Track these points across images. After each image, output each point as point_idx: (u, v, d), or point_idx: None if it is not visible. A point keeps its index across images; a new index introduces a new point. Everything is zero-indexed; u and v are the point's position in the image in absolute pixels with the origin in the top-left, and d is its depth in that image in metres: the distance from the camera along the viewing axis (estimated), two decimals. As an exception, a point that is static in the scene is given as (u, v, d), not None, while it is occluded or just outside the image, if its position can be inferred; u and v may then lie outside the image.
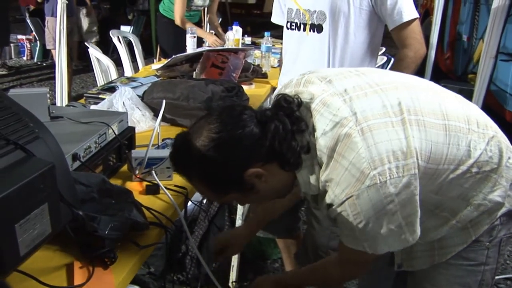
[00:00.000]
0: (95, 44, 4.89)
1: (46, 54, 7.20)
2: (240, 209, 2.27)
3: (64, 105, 3.26)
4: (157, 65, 2.86)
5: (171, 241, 1.16)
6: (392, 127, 0.97)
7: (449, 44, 5.83)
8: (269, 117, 1.00)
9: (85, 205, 1.01)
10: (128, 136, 1.50)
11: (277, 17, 2.11)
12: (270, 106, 1.07)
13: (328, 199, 1.00)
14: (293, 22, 1.95)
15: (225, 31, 3.77)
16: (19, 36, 7.55)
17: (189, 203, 1.39)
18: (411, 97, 1.03)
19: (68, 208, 0.88)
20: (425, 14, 6.10)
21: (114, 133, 1.40)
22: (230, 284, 2.27)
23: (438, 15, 3.73)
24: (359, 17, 1.82)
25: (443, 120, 1.02)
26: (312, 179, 1.03)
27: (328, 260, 1.38)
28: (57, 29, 3.43)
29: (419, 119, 1.00)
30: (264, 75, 2.84)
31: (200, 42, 3.54)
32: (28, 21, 6.92)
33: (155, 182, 1.34)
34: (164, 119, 1.79)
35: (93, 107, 1.89)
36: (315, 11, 1.86)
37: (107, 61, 3.37)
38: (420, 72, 2.11)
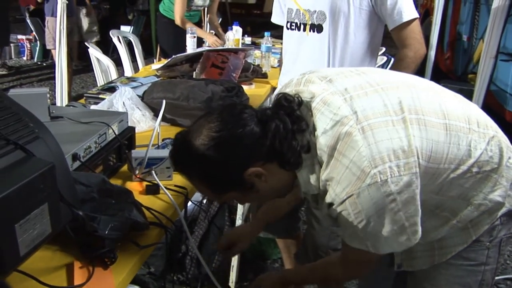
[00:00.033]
0: (95, 44, 4.88)
1: (46, 54, 7.20)
2: (240, 209, 2.27)
3: (64, 105, 3.25)
4: (157, 65, 2.86)
5: (171, 241, 1.16)
6: (393, 125, 0.97)
7: (449, 44, 5.83)
8: (270, 116, 1.00)
9: (85, 205, 1.01)
10: (128, 136, 1.50)
11: (277, 17, 2.11)
12: (270, 105, 1.06)
13: (328, 198, 1.00)
14: (293, 22, 1.95)
15: (225, 31, 3.77)
16: (19, 36, 7.55)
17: (189, 203, 1.39)
18: (411, 96, 1.03)
19: (68, 208, 0.88)
20: (425, 14, 6.09)
21: (114, 133, 1.40)
22: (230, 284, 2.27)
23: (438, 15, 3.73)
24: (359, 17, 1.82)
25: (444, 120, 1.02)
26: (313, 178, 1.02)
27: (331, 258, 1.38)
28: (57, 29, 3.43)
29: (419, 118, 1.00)
30: (264, 75, 2.84)
31: (200, 42, 3.54)
32: (28, 21, 6.92)
33: (155, 182, 1.34)
34: (164, 119, 1.79)
35: (93, 107, 1.89)
36: (315, 11, 1.86)
37: (107, 61, 3.37)
38: (420, 72, 2.11)
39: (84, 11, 6.87)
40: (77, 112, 1.51)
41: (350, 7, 1.80)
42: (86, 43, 4.34)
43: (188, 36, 3.20)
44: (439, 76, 4.75)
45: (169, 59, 2.62)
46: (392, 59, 3.16)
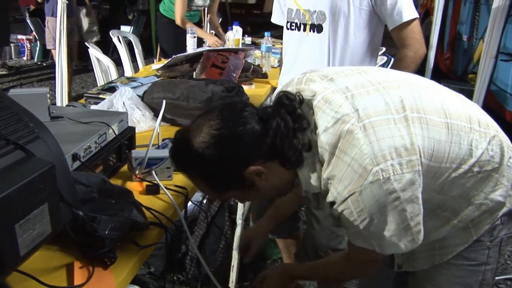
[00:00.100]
0: (95, 44, 4.88)
1: (46, 54, 7.20)
2: (240, 209, 2.27)
3: (64, 105, 3.25)
4: (157, 65, 2.86)
5: (171, 241, 1.16)
6: (395, 124, 0.97)
7: (449, 44, 5.83)
8: (271, 114, 1.00)
9: (85, 205, 1.00)
10: (128, 136, 1.50)
11: (277, 17, 2.11)
12: (271, 104, 1.06)
13: (330, 197, 0.99)
14: (293, 22, 1.95)
15: (225, 31, 3.77)
16: (19, 36, 7.55)
17: (189, 203, 1.39)
18: (413, 95, 1.03)
19: (68, 208, 0.88)
20: (425, 14, 6.10)
21: (114, 133, 1.40)
22: (230, 284, 2.27)
23: (438, 15, 3.72)
24: (359, 17, 1.82)
25: (445, 119, 1.02)
26: (314, 177, 1.02)
27: (336, 256, 1.38)
28: (57, 29, 3.43)
29: (421, 116, 0.99)
30: (264, 75, 2.84)
31: (200, 42, 3.54)
32: (28, 21, 6.92)
33: (155, 182, 1.34)
34: (164, 119, 1.79)
35: (93, 107, 1.89)
36: (315, 11, 1.86)
37: (107, 61, 3.37)
38: (420, 72, 2.11)
39: (84, 11, 6.86)
40: (77, 112, 1.51)
41: (350, 7, 1.80)
42: (86, 43, 4.34)
43: (188, 36, 3.20)
44: (439, 76, 4.75)
45: (169, 59, 2.62)
46: (392, 59, 3.16)
